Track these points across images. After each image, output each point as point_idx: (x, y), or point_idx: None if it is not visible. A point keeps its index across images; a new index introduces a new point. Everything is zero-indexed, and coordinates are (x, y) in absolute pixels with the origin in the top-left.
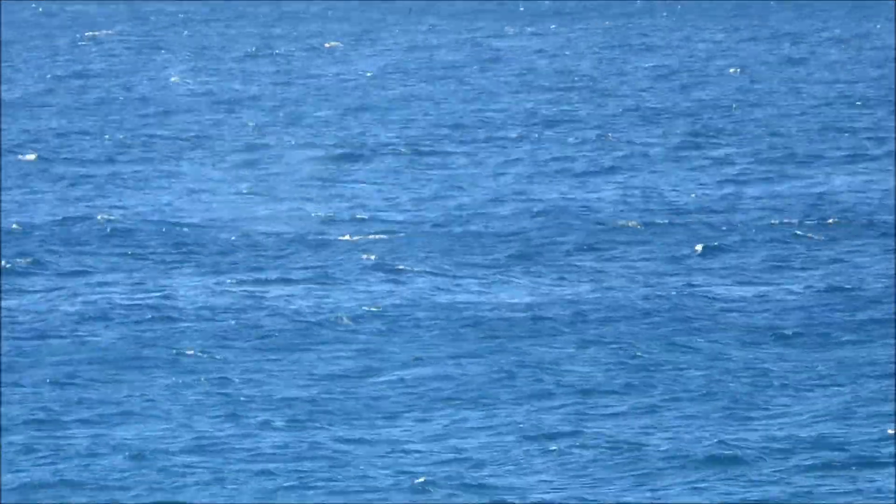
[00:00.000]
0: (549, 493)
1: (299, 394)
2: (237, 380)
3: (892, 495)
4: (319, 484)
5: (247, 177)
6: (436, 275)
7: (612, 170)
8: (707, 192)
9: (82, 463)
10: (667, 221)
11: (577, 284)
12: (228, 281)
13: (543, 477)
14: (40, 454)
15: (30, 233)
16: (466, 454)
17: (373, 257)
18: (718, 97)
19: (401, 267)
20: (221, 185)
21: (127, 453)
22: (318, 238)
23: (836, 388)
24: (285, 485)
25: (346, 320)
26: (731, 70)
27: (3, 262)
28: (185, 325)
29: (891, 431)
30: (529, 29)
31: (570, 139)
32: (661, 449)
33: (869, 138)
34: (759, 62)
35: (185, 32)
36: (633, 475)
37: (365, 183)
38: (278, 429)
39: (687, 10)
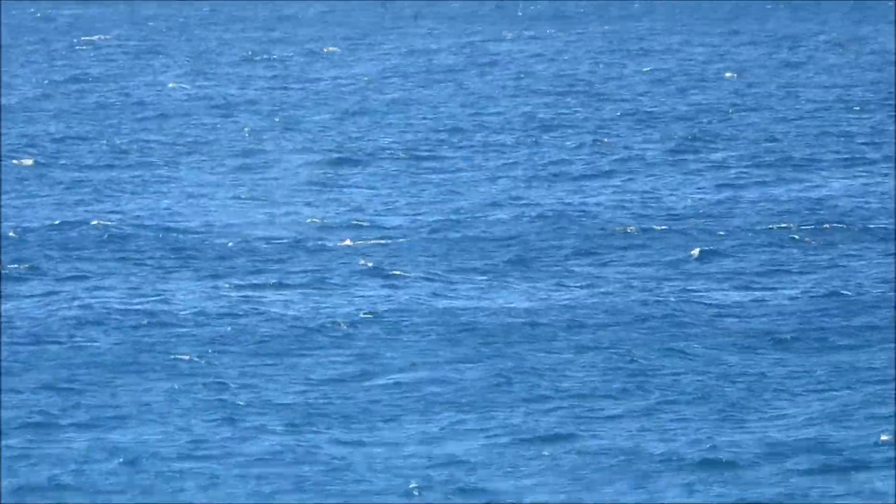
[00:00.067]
0: (545, 496)
1: (296, 398)
2: (234, 384)
3: (888, 498)
4: (316, 488)
5: (244, 181)
6: (433, 279)
7: (609, 174)
8: (704, 196)
9: (79, 467)
10: (664, 226)
11: (574, 289)
12: (225, 286)
13: (540, 480)
14: (37, 458)
15: (27, 238)
16: (463, 458)
17: (370, 262)
18: (716, 101)
19: (398, 272)
20: (219, 190)
21: (123, 457)
22: (316, 243)
23: (832, 393)
24: (282, 489)
25: (343, 325)
26: (728, 74)
27: (0, 267)
28: (182, 329)
29: (887, 436)
30: (527, 33)
31: (568, 143)
32: (657, 452)
33: (867, 142)
34: (757, 66)
35: (183, 36)
36: (629, 478)
37: (362, 187)
38: (275, 433)
39: (684, 13)
